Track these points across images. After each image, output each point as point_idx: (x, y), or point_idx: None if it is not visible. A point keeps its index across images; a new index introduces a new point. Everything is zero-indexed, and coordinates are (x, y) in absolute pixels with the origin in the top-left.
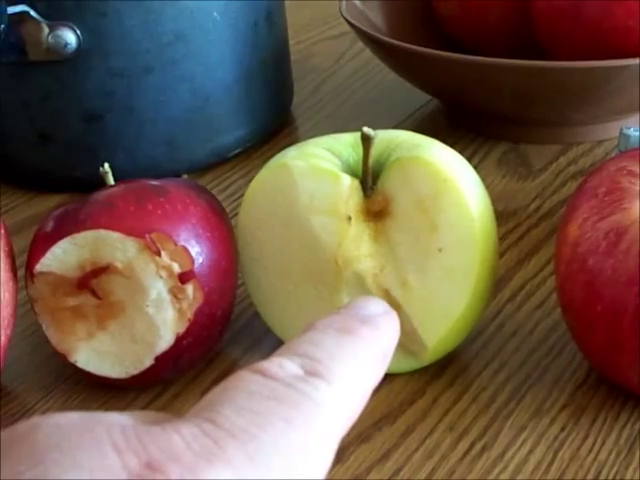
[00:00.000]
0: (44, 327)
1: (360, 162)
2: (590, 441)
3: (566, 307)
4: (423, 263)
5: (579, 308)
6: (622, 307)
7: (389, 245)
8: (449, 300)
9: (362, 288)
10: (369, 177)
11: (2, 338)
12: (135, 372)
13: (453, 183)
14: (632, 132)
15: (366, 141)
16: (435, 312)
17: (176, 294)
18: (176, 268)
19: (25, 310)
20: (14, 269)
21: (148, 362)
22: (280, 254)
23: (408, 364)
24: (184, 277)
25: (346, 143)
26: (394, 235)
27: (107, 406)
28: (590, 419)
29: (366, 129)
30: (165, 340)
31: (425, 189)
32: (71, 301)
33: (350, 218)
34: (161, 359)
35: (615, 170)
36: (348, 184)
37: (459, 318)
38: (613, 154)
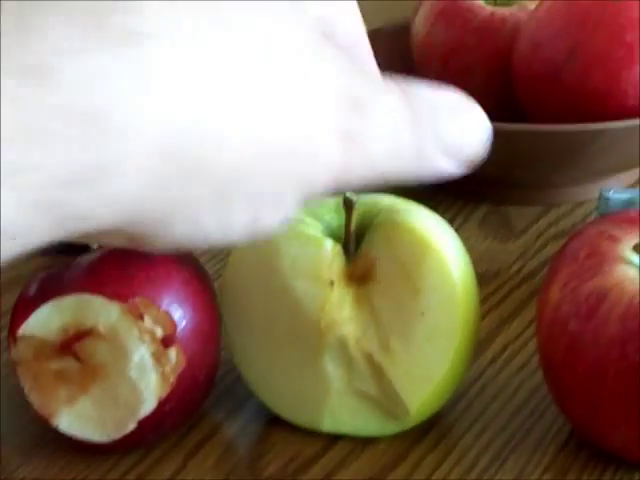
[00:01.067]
0: (26, 390)
1: (343, 226)
2: None
3: (547, 370)
4: (406, 327)
5: (560, 371)
6: (603, 370)
7: (371, 309)
8: (431, 363)
9: (344, 352)
10: (351, 242)
11: None
12: (118, 436)
13: (435, 248)
14: (611, 195)
15: (348, 206)
16: (417, 376)
17: (159, 358)
18: (159, 332)
19: (6, 373)
20: None
21: (131, 426)
22: (264, 319)
23: (390, 428)
24: (167, 341)
25: (328, 207)
26: (376, 299)
27: (89, 470)
28: None
29: (348, 194)
30: (148, 404)
31: (407, 254)
32: (54, 365)
33: (332, 283)
34: (144, 423)
35: (596, 234)
36: (330, 248)
37: (441, 381)
38: (593, 215)
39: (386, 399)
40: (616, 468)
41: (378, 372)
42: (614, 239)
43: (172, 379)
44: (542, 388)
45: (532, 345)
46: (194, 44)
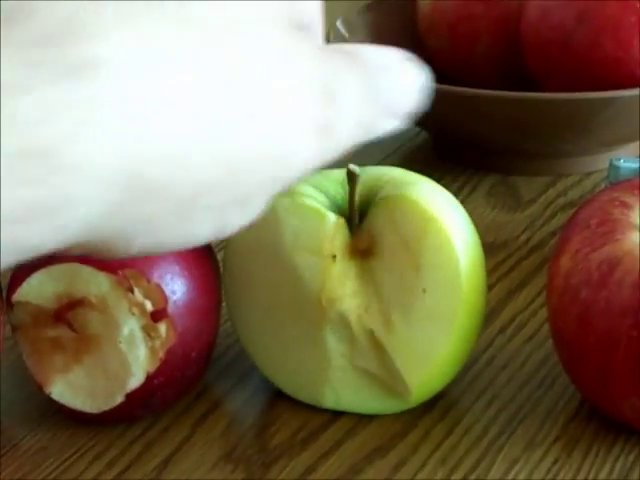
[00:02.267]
0: (24, 356)
1: (347, 199)
2: (583, 474)
3: (558, 339)
4: (407, 303)
5: (571, 340)
6: (615, 339)
7: (374, 284)
8: (431, 342)
9: (346, 328)
10: (355, 215)
11: None
12: (106, 408)
13: (438, 223)
14: (622, 163)
15: (352, 179)
16: (417, 354)
17: (148, 332)
18: (149, 306)
19: (10, 344)
20: (1, 301)
21: (119, 399)
22: (265, 292)
23: (392, 406)
24: (157, 315)
25: (334, 180)
26: (380, 274)
27: (95, 441)
28: (583, 452)
29: (352, 166)
30: (136, 378)
31: (410, 229)
32: (50, 332)
33: (335, 257)
34: (132, 397)
35: (607, 201)
36: (333, 222)
37: (441, 360)
38: (602, 186)
39: (387, 376)
40: (627, 438)
41: (379, 349)
42: (626, 206)
43: (161, 354)
44: (551, 358)
45: (541, 315)
46: (155, 68)
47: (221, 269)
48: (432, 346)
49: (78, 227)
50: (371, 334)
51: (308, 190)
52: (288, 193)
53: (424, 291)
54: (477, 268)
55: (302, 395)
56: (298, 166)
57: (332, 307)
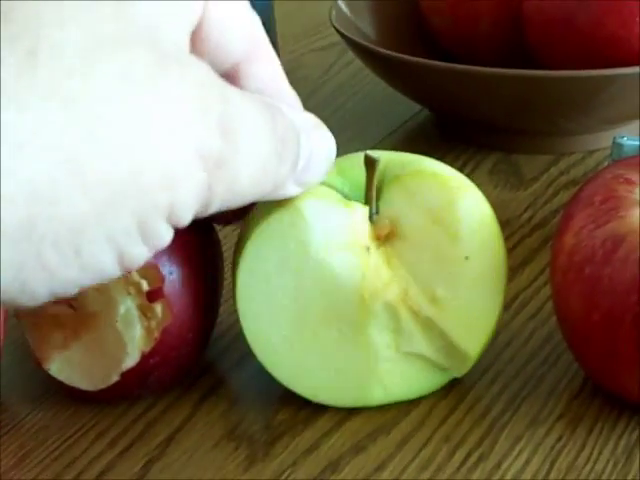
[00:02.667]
0: (25, 333)
1: (356, 187)
2: (587, 451)
3: (562, 316)
4: (450, 274)
5: (575, 317)
6: (619, 316)
7: (404, 266)
8: (485, 306)
9: (393, 317)
10: (374, 202)
11: None
12: (103, 386)
13: (467, 190)
14: (625, 141)
15: (370, 165)
16: (474, 320)
17: (144, 312)
18: (144, 285)
19: (14, 323)
20: None
21: (115, 378)
22: (293, 303)
23: (442, 380)
24: (152, 295)
25: (336, 171)
26: (408, 254)
27: (97, 419)
28: (587, 429)
29: (370, 153)
30: (131, 357)
31: (436, 201)
32: (50, 309)
33: (368, 248)
34: (127, 376)
35: (611, 178)
36: (361, 213)
37: (495, 321)
38: (605, 164)
39: (441, 353)
40: (630, 415)
41: (429, 327)
42: (630, 183)
43: (157, 334)
44: (555, 336)
45: (544, 293)
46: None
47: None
48: (486, 310)
49: None
50: (417, 315)
51: (331, 180)
52: (309, 193)
53: (467, 258)
54: (499, 230)
55: (344, 400)
56: (187, 195)
57: (375, 300)
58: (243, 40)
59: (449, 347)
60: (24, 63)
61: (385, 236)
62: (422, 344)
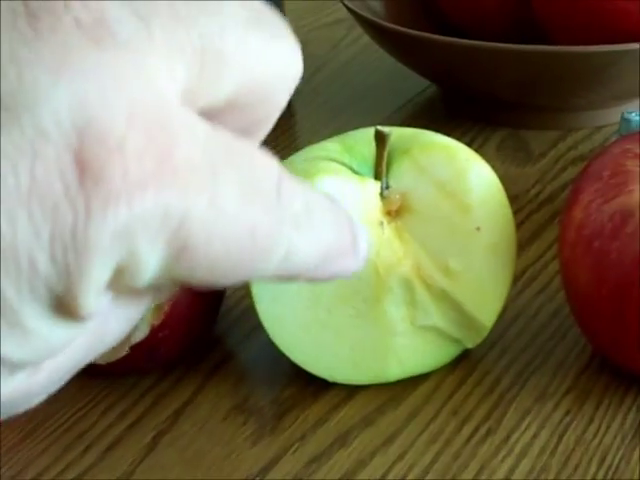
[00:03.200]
0: None
1: (364, 162)
2: (595, 425)
3: (570, 290)
4: (462, 246)
5: (583, 291)
6: (627, 290)
7: (416, 240)
8: (498, 276)
9: (408, 290)
10: (384, 177)
11: None
12: (112, 359)
13: (476, 161)
14: (633, 117)
15: (381, 140)
16: (487, 290)
17: None
18: None
19: None
20: None
21: (123, 351)
22: (308, 283)
23: (456, 351)
24: None
25: (343, 148)
26: (419, 228)
27: (106, 392)
28: (594, 403)
29: (381, 128)
30: (140, 330)
31: (446, 173)
32: None
33: (382, 223)
34: (136, 349)
35: (619, 153)
36: (374, 188)
37: (508, 290)
38: (613, 139)
39: (455, 324)
40: (638, 389)
41: (443, 299)
42: (639, 157)
43: (166, 307)
44: (563, 310)
45: (552, 268)
46: None
47: None
48: (499, 280)
49: None
50: (431, 288)
51: (340, 156)
52: (321, 167)
53: (478, 229)
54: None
55: (361, 377)
56: None
57: (390, 274)
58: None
59: (463, 318)
60: None
61: (396, 211)
62: (437, 316)
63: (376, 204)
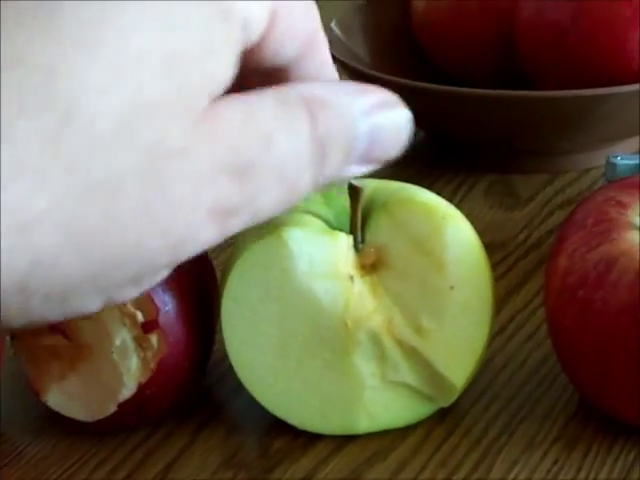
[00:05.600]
0: (22, 364)
1: (343, 214)
2: (583, 474)
3: (556, 339)
4: (436, 304)
5: (569, 340)
6: (613, 338)
7: (390, 295)
8: (471, 336)
9: (376, 345)
10: (358, 231)
11: None
12: (100, 417)
13: (452, 219)
14: (619, 161)
15: (355, 195)
16: (459, 351)
17: (140, 343)
18: (140, 317)
19: (12, 353)
20: None
21: (111, 409)
22: (277, 331)
23: (429, 410)
24: (148, 326)
25: (323, 199)
26: (394, 284)
27: (96, 449)
28: (583, 452)
29: (354, 181)
30: (128, 388)
31: (423, 229)
32: (46, 340)
33: (352, 277)
34: (124, 407)
35: (603, 201)
36: (345, 242)
37: (482, 351)
38: (600, 183)
39: (426, 382)
40: (627, 437)
41: (414, 357)
42: (622, 205)
43: (153, 365)
44: (551, 358)
45: (540, 315)
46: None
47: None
48: (472, 340)
49: None
50: (402, 344)
51: (316, 208)
52: (294, 221)
53: (452, 288)
54: (486, 259)
55: (330, 427)
56: (194, 249)
57: (359, 328)
58: (303, 41)
59: (434, 377)
60: (53, 134)
61: (371, 265)
62: (407, 373)
63: (348, 257)
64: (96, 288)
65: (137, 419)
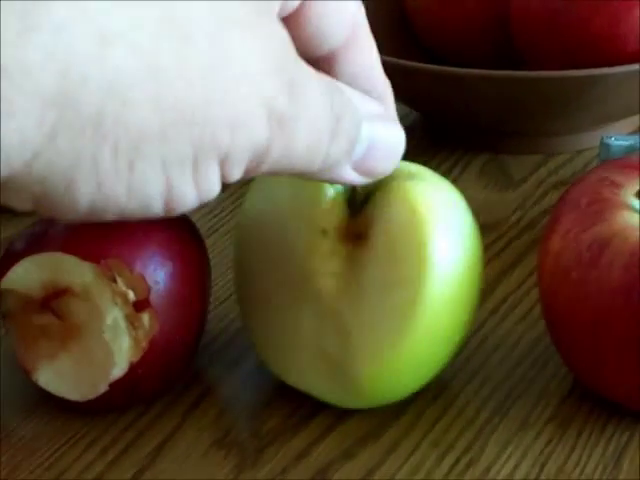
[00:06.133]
0: (13, 343)
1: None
2: (576, 455)
3: (550, 319)
4: (379, 295)
5: (563, 320)
6: (606, 319)
7: (358, 269)
8: (392, 338)
9: (319, 306)
10: (357, 198)
11: None
12: (91, 397)
13: (421, 219)
14: (613, 141)
15: None
16: (376, 346)
17: (132, 322)
18: (131, 296)
19: (4, 331)
20: None
21: (102, 388)
22: (264, 265)
23: (348, 399)
24: (139, 305)
25: None
26: (365, 261)
27: (87, 428)
28: (576, 432)
29: None
30: (119, 367)
31: (397, 221)
32: (37, 320)
33: (325, 232)
34: (115, 386)
35: (597, 181)
36: (330, 197)
37: (400, 358)
38: (594, 164)
39: (346, 364)
40: (620, 418)
41: (345, 334)
42: (616, 185)
43: (144, 344)
44: (544, 338)
45: (533, 295)
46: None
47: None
48: (392, 342)
49: (10, 145)
50: (340, 317)
51: None
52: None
53: (395, 285)
54: (465, 274)
55: (275, 368)
56: (246, 144)
57: (311, 281)
58: (344, 27)
59: (353, 361)
60: None
61: (357, 234)
62: (336, 347)
63: (330, 214)
64: (161, 156)
65: (128, 399)
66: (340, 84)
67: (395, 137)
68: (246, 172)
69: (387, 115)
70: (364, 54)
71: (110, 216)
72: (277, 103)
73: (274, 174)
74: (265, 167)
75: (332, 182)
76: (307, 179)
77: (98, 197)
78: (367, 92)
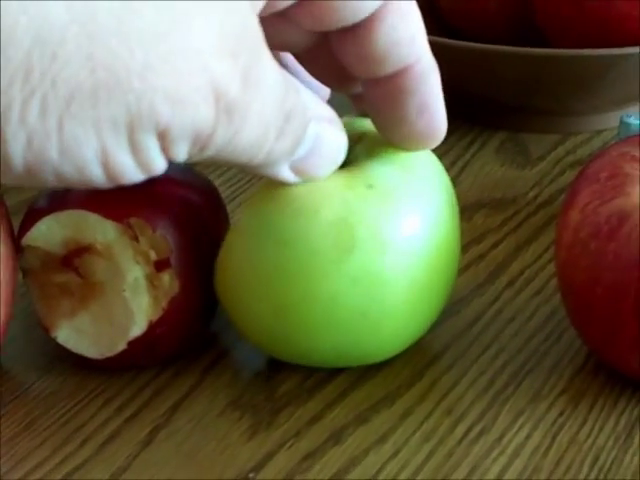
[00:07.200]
0: (33, 300)
1: None
2: (588, 426)
3: (566, 292)
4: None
5: (579, 292)
6: (623, 291)
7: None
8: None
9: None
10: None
11: (2, 317)
12: (109, 354)
13: (379, 189)
14: (632, 120)
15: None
16: None
17: (152, 281)
18: (153, 255)
19: (23, 291)
20: (14, 248)
21: (121, 346)
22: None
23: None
24: (160, 265)
25: None
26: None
27: (104, 386)
28: (588, 404)
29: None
30: (138, 326)
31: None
32: (58, 277)
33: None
34: (134, 344)
35: (617, 155)
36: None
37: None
38: (612, 143)
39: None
40: (633, 391)
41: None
42: (636, 160)
43: (164, 303)
44: (559, 312)
45: (549, 270)
46: None
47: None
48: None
49: None
50: None
51: None
52: None
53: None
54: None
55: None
56: (187, 123)
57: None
58: None
59: None
60: None
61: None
62: None
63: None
64: (92, 117)
65: (146, 358)
66: (297, 83)
67: (337, 143)
68: (189, 153)
69: (335, 121)
70: (406, 21)
71: (48, 177)
72: (228, 88)
73: (217, 161)
74: (209, 153)
75: (266, 177)
76: (242, 170)
77: (30, 155)
78: (410, 66)
